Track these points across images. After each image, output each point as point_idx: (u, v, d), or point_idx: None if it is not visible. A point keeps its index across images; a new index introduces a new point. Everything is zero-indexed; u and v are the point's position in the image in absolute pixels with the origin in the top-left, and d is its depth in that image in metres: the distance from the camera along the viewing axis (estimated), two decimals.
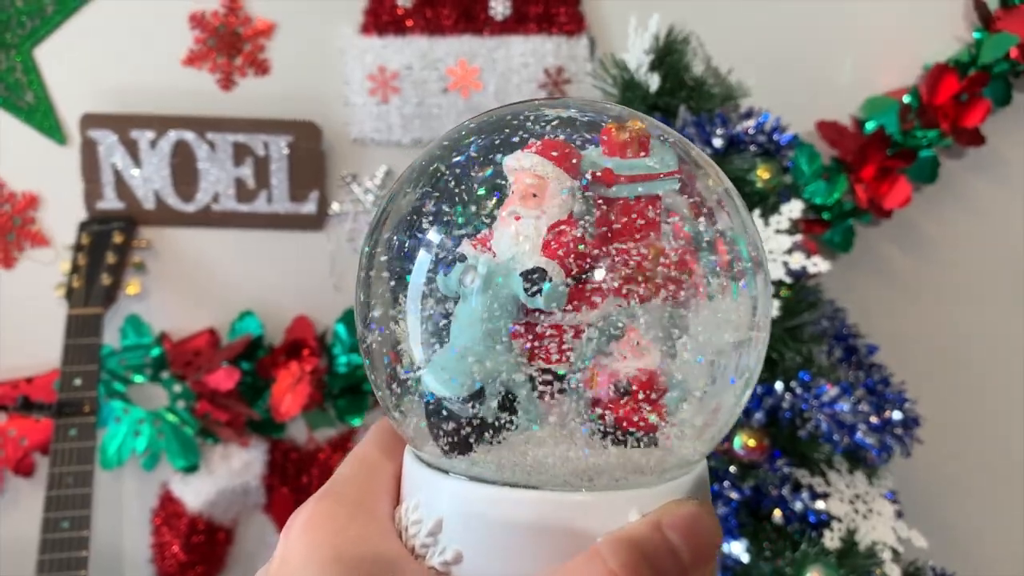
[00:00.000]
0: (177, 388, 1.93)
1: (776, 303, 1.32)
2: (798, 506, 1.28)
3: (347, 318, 1.93)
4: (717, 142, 1.34)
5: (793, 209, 1.34)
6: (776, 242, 1.33)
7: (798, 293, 1.32)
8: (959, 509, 1.96)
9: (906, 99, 1.79)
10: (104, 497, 1.86)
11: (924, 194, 1.82)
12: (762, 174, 1.31)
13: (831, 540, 1.26)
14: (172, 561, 1.96)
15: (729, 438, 1.28)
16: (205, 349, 1.92)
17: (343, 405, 1.95)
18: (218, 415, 1.90)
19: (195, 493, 1.83)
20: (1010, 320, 1.93)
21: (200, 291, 1.86)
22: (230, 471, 1.86)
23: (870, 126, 1.79)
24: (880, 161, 1.75)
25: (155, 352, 1.85)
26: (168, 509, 1.88)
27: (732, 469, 1.28)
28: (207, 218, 1.83)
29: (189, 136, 1.80)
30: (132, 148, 1.85)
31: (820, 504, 1.29)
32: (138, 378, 1.83)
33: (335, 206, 1.86)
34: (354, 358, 1.93)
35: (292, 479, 1.98)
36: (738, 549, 1.24)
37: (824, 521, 1.29)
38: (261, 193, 1.82)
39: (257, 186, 1.81)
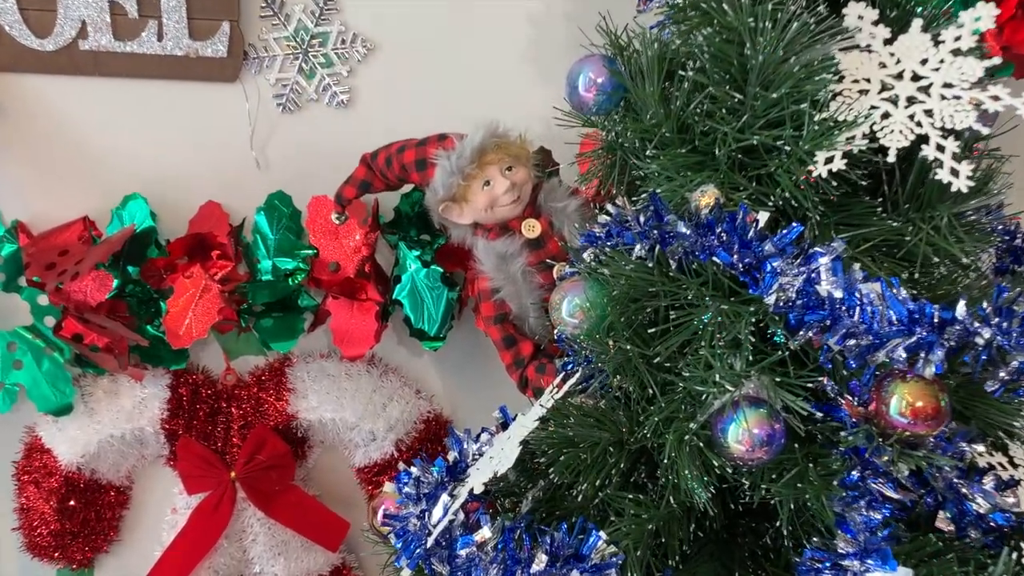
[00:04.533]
0: (43, 300, 1.43)
1: (965, 170, 0.80)
2: (980, 503, 0.76)
3: (274, 204, 1.43)
4: None
5: (983, 17, 0.80)
6: (953, 70, 0.80)
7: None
8: None
9: None
10: None
11: None
12: None
13: None
14: (43, 530, 1.48)
15: (879, 395, 0.75)
16: (75, 246, 1.40)
17: (268, 326, 1.44)
18: (93, 338, 1.36)
19: (71, 442, 1.46)
20: None
21: (68, 167, 1.45)
22: (118, 414, 1.47)
23: None
24: None
25: (7, 249, 1.41)
26: (35, 463, 1.50)
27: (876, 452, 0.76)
28: (72, 62, 1.40)
29: None
30: None
31: (1011, 499, 0.77)
32: None
33: (254, 45, 1.41)
34: (283, 261, 1.39)
35: (203, 423, 1.50)
36: None
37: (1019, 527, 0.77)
38: (148, 26, 1.39)
39: (142, 15, 1.37)
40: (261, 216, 1.43)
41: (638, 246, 0.91)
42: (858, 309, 0.81)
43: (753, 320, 0.83)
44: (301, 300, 1.46)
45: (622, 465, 0.89)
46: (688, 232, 0.87)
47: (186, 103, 1.44)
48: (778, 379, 0.84)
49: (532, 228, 1.20)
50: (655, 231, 0.89)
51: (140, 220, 1.42)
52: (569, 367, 1.01)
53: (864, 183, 0.94)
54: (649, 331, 0.88)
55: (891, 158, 0.87)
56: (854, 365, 0.81)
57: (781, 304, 0.83)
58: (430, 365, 1.56)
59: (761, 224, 0.87)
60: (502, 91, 1.43)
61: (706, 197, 0.90)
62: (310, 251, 1.42)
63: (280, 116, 1.46)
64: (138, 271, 1.40)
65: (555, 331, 0.99)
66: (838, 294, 0.82)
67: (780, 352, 0.84)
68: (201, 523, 1.49)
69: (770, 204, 0.91)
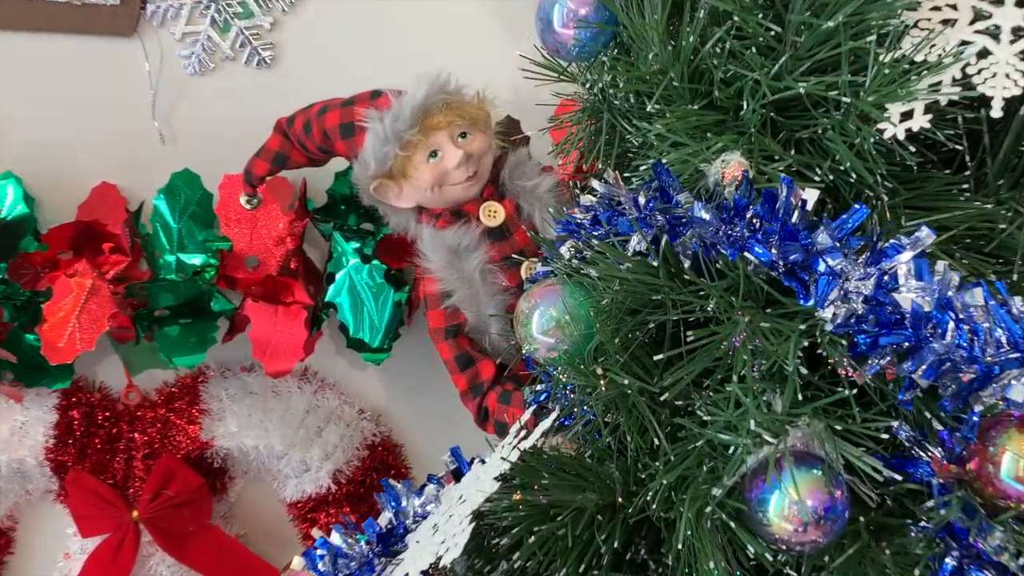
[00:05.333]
0: None
1: None
2: None
3: (177, 186, 1.22)
4: None
5: None
6: None
7: None
8: None
9: None
10: None
11: None
12: None
13: None
14: None
15: (983, 450, 0.52)
16: None
17: (173, 335, 1.22)
18: None
19: None
20: None
21: None
22: None
23: None
24: None
25: None
26: None
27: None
28: None
29: None
30: None
31: None
32: None
33: None
34: (189, 256, 1.18)
35: (99, 453, 1.29)
36: None
37: None
38: None
39: None
40: (162, 200, 1.21)
41: (636, 237, 0.66)
42: (952, 327, 0.57)
43: (803, 342, 0.59)
44: (214, 303, 1.23)
45: (615, 540, 0.64)
46: (708, 217, 0.62)
47: (71, 62, 1.26)
48: (838, 426, 0.60)
49: (493, 214, 0.94)
50: (661, 216, 0.64)
51: (12, 205, 1.20)
52: (541, 399, 0.76)
53: (935, 153, 0.71)
54: (654, 357, 0.63)
55: (996, 112, 0.63)
56: (948, 407, 0.58)
57: (841, 320, 0.59)
58: (376, 378, 1.36)
59: (809, 206, 0.63)
60: (459, 49, 1.23)
61: (731, 168, 0.65)
62: (222, 243, 1.20)
63: (188, 78, 1.27)
64: (5, 268, 1.15)
65: (523, 350, 0.74)
66: (925, 306, 0.57)
67: (840, 388, 0.60)
68: (98, 571, 1.30)
69: (817, 180, 0.67)
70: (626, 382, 0.63)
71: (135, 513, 1.28)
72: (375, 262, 1.19)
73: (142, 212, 1.24)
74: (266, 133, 1.12)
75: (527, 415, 0.76)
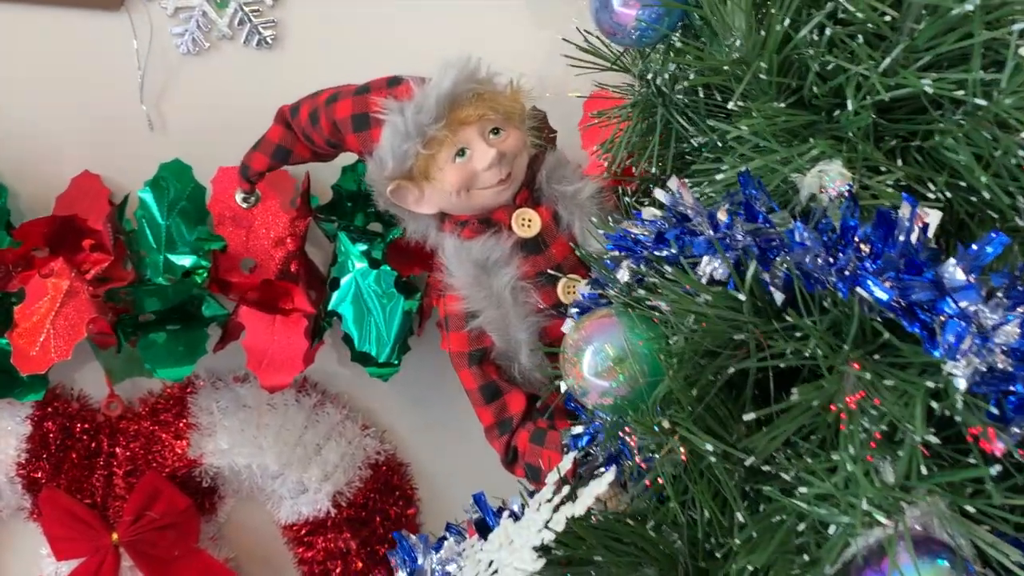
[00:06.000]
0: None
1: None
2: None
3: (165, 178, 1.12)
4: None
5: None
6: None
7: None
8: None
9: None
10: None
11: None
12: None
13: None
14: None
15: None
16: None
17: (160, 343, 1.13)
18: None
19: None
20: None
21: None
22: None
23: None
24: None
25: None
26: None
27: None
28: None
29: None
30: None
31: None
32: None
33: None
34: (179, 256, 1.09)
35: (76, 469, 1.20)
36: None
37: None
38: None
39: None
40: (148, 193, 1.11)
41: (709, 260, 0.55)
42: None
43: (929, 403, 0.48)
44: (205, 308, 1.13)
45: None
46: (808, 241, 0.51)
47: (51, 38, 1.18)
48: (967, 505, 0.49)
49: (528, 223, 0.82)
50: (748, 236, 0.53)
51: None
52: (583, 443, 0.65)
53: None
54: (743, 416, 0.52)
55: None
56: None
57: (979, 376, 0.48)
58: (381, 390, 1.26)
59: (931, 231, 0.51)
60: (481, 33, 1.14)
61: (832, 181, 0.54)
62: (215, 243, 1.10)
63: (181, 59, 1.18)
64: None
65: (565, 385, 0.63)
66: None
67: (972, 460, 0.49)
68: None
69: (932, 198, 0.55)
70: (699, 439, 0.52)
71: (115, 536, 1.20)
72: (384, 267, 1.08)
73: (127, 206, 1.14)
74: (266, 122, 1.02)
75: (567, 463, 0.65)
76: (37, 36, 1.17)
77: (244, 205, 1.03)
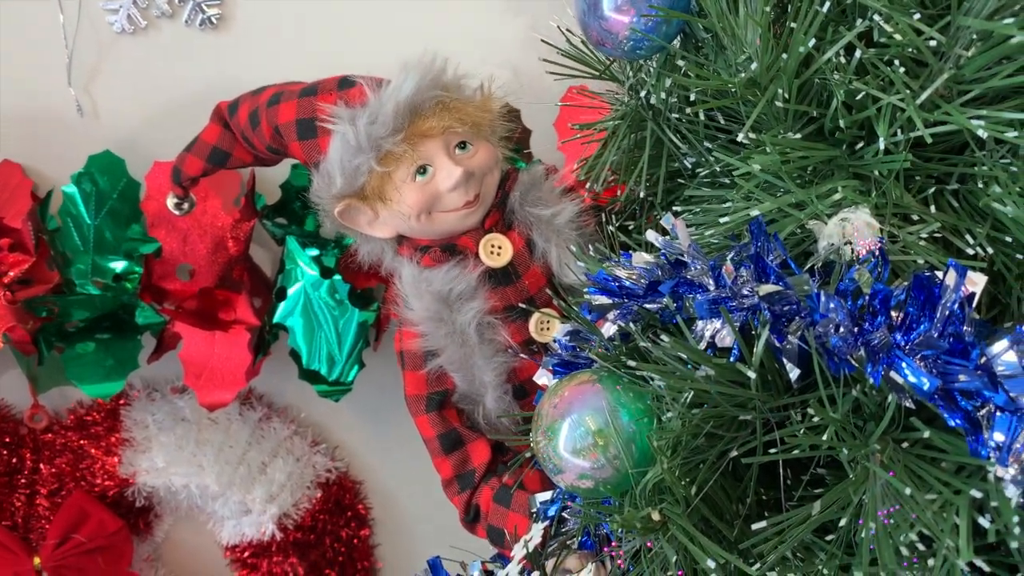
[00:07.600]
0: None
1: None
2: None
3: (94, 172, 1.02)
4: None
5: None
6: None
7: None
8: None
9: None
10: None
11: None
12: None
13: None
14: None
15: None
16: None
17: (87, 353, 1.04)
18: None
19: None
20: None
21: None
22: None
23: None
24: None
25: None
26: None
27: None
28: None
29: None
30: None
31: None
32: None
33: None
34: (108, 259, 0.97)
35: None
36: None
37: None
38: None
39: None
40: (74, 189, 1.01)
41: (715, 323, 0.46)
42: None
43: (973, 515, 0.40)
44: (139, 316, 1.03)
45: None
46: (833, 310, 0.42)
47: None
48: None
49: (497, 250, 0.72)
50: (758, 300, 0.44)
51: None
52: (551, 512, 0.57)
53: None
54: (739, 495, 0.44)
55: None
56: None
57: None
58: (332, 403, 1.16)
59: (977, 298, 0.43)
60: (448, 18, 1.06)
61: (857, 232, 0.45)
62: (149, 246, 1.00)
63: (115, 38, 1.09)
64: None
65: (537, 454, 0.54)
66: None
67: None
68: None
69: (971, 253, 0.47)
70: (711, 564, 0.43)
71: (37, 560, 1.12)
72: (337, 277, 0.99)
73: (50, 202, 1.04)
74: (208, 110, 0.92)
75: (536, 534, 0.56)
76: None
77: (177, 212, 0.93)
